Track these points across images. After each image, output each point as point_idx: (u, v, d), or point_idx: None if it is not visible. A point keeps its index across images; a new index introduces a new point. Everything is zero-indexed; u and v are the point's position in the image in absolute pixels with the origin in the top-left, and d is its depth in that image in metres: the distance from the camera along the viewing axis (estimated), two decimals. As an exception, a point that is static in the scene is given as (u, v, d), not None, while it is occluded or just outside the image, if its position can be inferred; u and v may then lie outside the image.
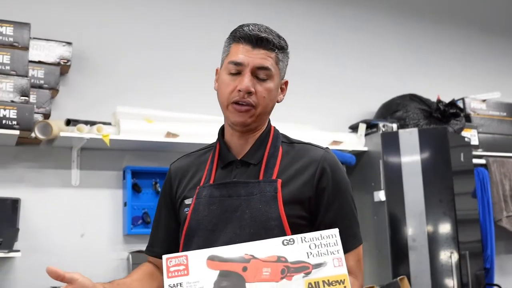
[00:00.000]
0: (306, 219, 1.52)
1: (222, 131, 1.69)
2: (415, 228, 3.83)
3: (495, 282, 4.47)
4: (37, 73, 3.43)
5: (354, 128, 4.38)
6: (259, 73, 1.53)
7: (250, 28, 1.55)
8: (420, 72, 5.20)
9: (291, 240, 1.29)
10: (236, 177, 1.56)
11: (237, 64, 1.53)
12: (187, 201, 1.59)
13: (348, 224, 1.53)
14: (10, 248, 3.15)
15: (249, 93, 1.51)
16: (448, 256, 3.78)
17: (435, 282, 3.75)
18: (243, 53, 1.53)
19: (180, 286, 1.21)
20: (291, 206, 1.49)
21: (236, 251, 1.26)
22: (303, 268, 1.24)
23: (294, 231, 1.42)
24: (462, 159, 4.13)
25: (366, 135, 4.24)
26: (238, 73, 1.54)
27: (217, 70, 1.67)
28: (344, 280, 1.23)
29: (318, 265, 1.25)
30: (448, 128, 4.18)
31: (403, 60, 5.17)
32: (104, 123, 3.46)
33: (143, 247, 3.54)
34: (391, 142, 4.01)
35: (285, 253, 1.26)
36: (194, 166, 1.68)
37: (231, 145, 1.63)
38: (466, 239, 3.92)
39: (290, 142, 1.66)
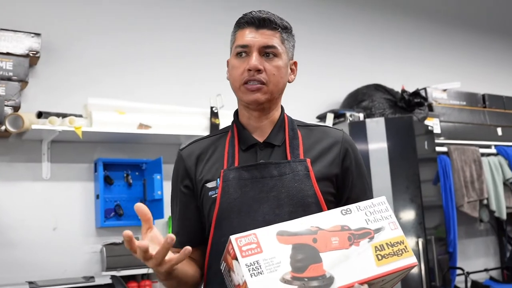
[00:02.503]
0: (334, 195, 1.59)
1: (236, 114, 1.70)
2: (383, 214, 3.91)
3: (458, 265, 4.62)
4: (6, 65, 3.36)
5: (321, 117, 4.45)
6: (266, 52, 1.56)
7: (253, 13, 1.59)
8: (384, 63, 5.30)
9: (348, 210, 1.35)
10: (262, 159, 1.58)
11: (243, 46, 1.57)
12: (210, 185, 1.59)
13: (369, 197, 1.61)
14: (-17, 243, 3.10)
15: (258, 70, 1.54)
16: (415, 241, 3.89)
17: None
18: (248, 35, 1.57)
19: (258, 263, 1.21)
20: (323, 183, 1.55)
21: (301, 225, 1.30)
22: (366, 234, 1.32)
23: (326, 208, 1.51)
24: (426, 147, 4.23)
25: (333, 124, 4.30)
26: (246, 55, 1.57)
27: (227, 61, 1.67)
28: (403, 240, 1.33)
29: (378, 230, 1.33)
30: (412, 117, 4.29)
31: (367, 50, 5.27)
32: (76, 115, 3.42)
33: (116, 239, 3.59)
34: (358, 131, 4.08)
35: (346, 222, 1.33)
36: (209, 150, 1.67)
37: (249, 128, 1.65)
38: (431, 224, 4.03)
39: (306, 125, 1.71)
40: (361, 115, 4.36)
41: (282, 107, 1.71)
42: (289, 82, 1.68)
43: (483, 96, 5.45)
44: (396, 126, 4.09)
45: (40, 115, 3.34)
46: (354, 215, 1.35)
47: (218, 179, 1.57)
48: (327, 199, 1.54)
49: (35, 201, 3.49)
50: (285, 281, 1.21)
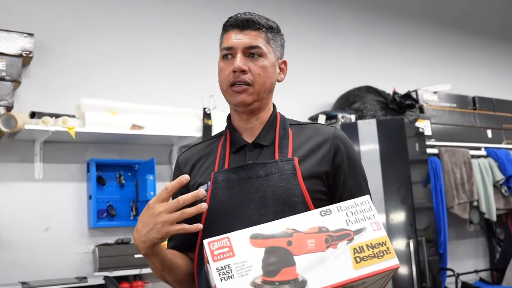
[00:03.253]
0: (325, 193, 1.56)
1: (229, 118, 1.71)
2: (374, 215, 3.93)
3: (448, 266, 4.65)
4: (-1, 65, 3.36)
5: (313, 119, 4.47)
6: (250, 52, 1.57)
7: (237, 15, 1.60)
8: (375, 65, 5.33)
9: (328, 210, 1.32)
10: (251, 160, 1.58)
11: (228, 48, 1.58)
12: (202, 188, 1.58)
13: (365, 194, 1.56)
14: (-25, 244, 3.09)
15: (243, 71, 1.55)
16: (406, 242, 3.91)
17: None
18: (233, 38, 1.58)
19: (229, 267, 1.20)
20: (310, 181, 1.53)
21: (277, 227, 1.27)
22: (345, 235, 1.28)
23: (315, 206, 1.47)
24: (417, 148, 4.26)
25: (325, 126, 4.31)
26: (232, 57, 1.58)
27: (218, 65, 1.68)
28: (385, 241, 1.28)
29: (358, 231, 1.29)
30: (404, 119, 4.31)
31: (359, 52, 5.29)
32: (69, 116, 3.42)
33: (108, 240, 3.59)
34: (350, 133, 4.08)
35: (324, 223, 1.29)
36: (204, 154, 1.69)
37: (240, 130, 1.66)
38: (421, 226, 4.06)
39: (298, 124, 1.70)
40: (353, 117, 4.38)
41: (274, 106, 1.71)
42: (279, 81, 1.68)
43: (473, 98, 5.49)
44: (388, 127, 4.12)
45: (33, 115, 3.34)
46: (334, 215, 1.31)
47: (209, 182, 1.58)
48: (316, 198, 1.52)
49: (28, 201, 3.48)
50: (255, 285, 1.19)
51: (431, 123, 4.94)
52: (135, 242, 1.43)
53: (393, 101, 4.51)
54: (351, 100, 4.62)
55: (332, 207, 1.33)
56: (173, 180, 1.69)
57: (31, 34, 3.49)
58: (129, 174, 3.84)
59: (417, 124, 4.64)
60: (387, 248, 1.27)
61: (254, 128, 1.64)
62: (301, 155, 1.57)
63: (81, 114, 3.47)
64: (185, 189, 1.64)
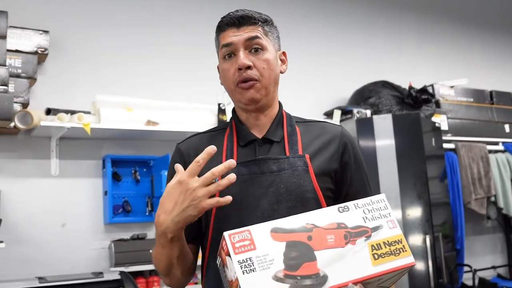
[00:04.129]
0: (333, 191, 1.58)
1: (234, 111, 1.70)
2: (390, 211, 3.91)
3: (465, 262, 4.61)
4: (14, 62, 3.38)
5: (329, 114, 4.45)
6: (251, 45, 1.56)
7: (231, 14, 1.59)
8: (391, 60, 5.30)
9: (346, 207, 1.33)
10: (261, 155, 1.57)
11: (228, 45, 1.56)
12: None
13: (368, 193, 1.61)
14: (-7, 239, 3.11)
15: (248, 67, 1.53)
16: (422, 238, 3.89)
17: None
18: (231, 35, 1.57)
19: (250, 260, 1.20)
20: (321, 179, 1.54)
21: (297, 222, 1.27)
22: (363, 232, 1.29)
23: (325, 203, 1.50)
24: (433, 144, 4.23)
25: (341, 121, 4.31)
26: (234, 56, 1.56)
27: (217, 67, 1.67)
28: (401, 239, 1.31)
29: (375, 228, 1.31)
30: (420, 114, 4.28)
31: (375, 47, 5.26)
32: (84, 112, 3.43)
33: (124, 235, 3.60)
34: (365, 128, 4.09)
35: (343, 219, 1.30)
36: (208, 145, 1.61)
37: (248, 125, 1.64)
38: (438, 221, 4.04)
39: (304, 121, 1.70)
40: (368, 112, 4.35)
41: (280, 104, 1.70)
42: (282, 73, 1.67)
43: (491, 92, 5.43)
44: (404, 122, 4.09)
45: (48, 111, 3.36)
46: (352, 212, 1.32)
47: None
48: (326, 195, 1.53)
49: (44, 197, 3.51)
50: (277, 279, 1.19)
51: (448, 118, 4.90)
52: (161, 226, 1.37)
53: (409, 96, 4.48)
54: (367, 95, 4.59)
55: (350, 204, 1.34)
56: (171, 168, 1.66)
57: (46, 31, 3.52)
58: (145, 170, 3.85)
59: (434, 119, 4.61)
60: (403, 246, 1.29)
61: (263, 124, 1.63)
62: (311, 153, 1.57)
63: (96, 111, 3.49)
64: None
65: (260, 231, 1.25)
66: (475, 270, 4.60)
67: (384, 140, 4.04)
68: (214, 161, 1.57)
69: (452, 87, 5.12)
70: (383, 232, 1.30)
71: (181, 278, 1.57)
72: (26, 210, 3.43)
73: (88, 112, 3.50)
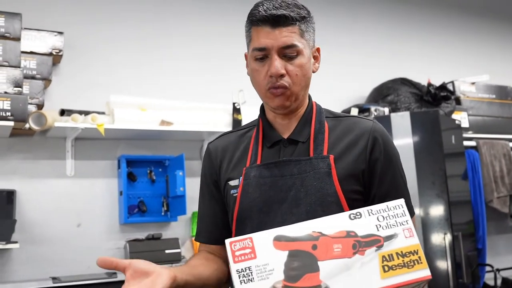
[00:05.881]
0: (361, 193, 1.49)
1: (263, 109, 1.64)
2: (408, 210, 3.86)
3: (487, 262, 4.53)
4: (29, 63, 3.41)
5: (346, 112, 4.39)
6: (286, 52, 1.46)
7: (265, 8, 1.46)
8: (410, 56, 5.22)
9: (358, 213, 1.24)
10: (285, 156, 1.52)
11: (261, 49, 1.47)
12: (233, 183, 1.55)
13: (402, 195, 1.40)
14: (7, 240, 3.14)
15: (281, 75, 1.46)
16: (441, 237, 3.82)
17: (429, 263, 3.65)
18: (265, 37, 1.46)
19: (249, 270, 1.16)
20: (346, 181, 1.45)
21: (303, 229, 1.21)
22: (374, 241, 1.20)
23: (350, 207, 1.40)
24: (453, 141, 4.16)
25: (358, 119, 4.25)
26: (266, 57, 1.48)
27: (245, 55, 1.59)
28: (417, 250, 1.19)
29: (389, 237, 1.20)
30: (439, 111, 4.21)
31: (393, 44, 5.19)
32: (98, 113, 3.45)
33: (139, 235, 3.61)
34: (383, 126, 4.03)
35: (353, 227, 1.21)
36: (235, 145, 1.63)
37: (275, 125, 1.59)
38: (458, 220, 3.96)
39: (335, 116, 1.61)
40: (386, 110, 4.30)
41: (309, 97, 1.63)
42: (314, 72, 1.57)
43: (514, 88, 5.33)
44: (422, 120, 4.03)
45: (62, 112, 3.38)
46: (364, 220, 1.22)
47: (240, 177, 1.53)
48: (352, 198, 1.44)
49: (59, 197, 3.54)
50: None
51: (469, 115, 4.82)
52: None
53: (428, 93, 4.40)
54: (385, 93, 4.53)
55: (363, 210, 1.24)
56: (203, 168, 1.67)
57: (60, 33, 3.54)
58: (160, 170, 3.86)
59: (454, 116, 4.53)
60: (419, 257, 1.19)
61: (290, 123, 1.58)
62: (337, 153, 1.49)
63: (111, 111, 3.50)
64: (215, 183, 1.63)
65: (263, 239, 1.20)
66: (498, 270, 4.51)
67: (402, 138, 3.98)
68: (241, 162, 1.57)
69: (473, 83, 5.04)
70: (398, 242, 1.20)
71: None
72: (42, 211, 3.46)
73: (103, 113, 3.52)
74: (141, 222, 3.71)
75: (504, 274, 4.80)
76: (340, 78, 4.72)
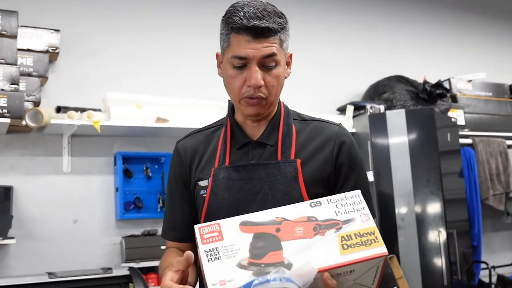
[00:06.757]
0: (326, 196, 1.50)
1: (232, 109, 1.64)
2: (403, 208, 3.89)
3: (482, 259, 4.55)
4: (26, 61, 3.44)
5: (342, 110, 4.43)
6: (266, 62, 1.47)
7: (247, 16, 1.44)
8: (406, 54, 5.24)
9: (318, 202, 1.33)
10: (254, 159, 1.55)
11: (241, 58, 1.46)
12: (202, 183, 1.57)
13: (364, 198, 1.43)
14: (4, 235, 3.18)
15: (259, 86, 1.48)
16: (436, 235, 3.85)
17: (423, 260, 3.82)
18: (246, 46, 1.45)
19: (216, 250, 1.24)
20: (312, 186, 1.50)
21: (267, 216, 1.30)
22: (333, 224, 1.28)
23: None
24: (449, 139, 4.17)
25: (354, 116, 4.28)
26: (245, 65, 1.47)
27: (217, 54, 1.61)
28: (374, 231, 1.27)
29: (347, 221, 1.29)
30: (434, 109, 4.23)
31: (389, 42, 5.20)
32: (94, 110, 3.47)
33: (135, 232, 3.64)
34: (378, 124, 4.06)
35: (314, 213, 1.30)
36: (204, 145, 1.65)
37: (244, 126, 1.61)
38: (453, 218, 3.98)
39: (302, 119, 1.65)
40: (382, 107, 4.31)
41: (279, 101, 1.64)
42: (285, 77, 1.58)
43: (510, 86, 5.33)
44: (417, 118, 4.05)
45: (59, 109, 3.41)
46: (324, 207, 1.32)
47: (209, 178, 1.55)
48: None
49: (56, 194, 3.57)
50: (241, 266, 1.21)
51: (465, 113, 4.82)
52: None
53: (424, 91, 4.42)
54: (381, 90, 4.55)
55: (322, 199, 1.34)
56: (171, 166, 1.69)
57: (57, 30, 3.57)
58: (156, 166, 3.88)
59: (450, 113, 4.55)
60: (376, 237, 1.27)
61: (259, 125, 1.60)
62: (304, 157, 1.53)
63: (107, 108, 3.52)
64: (185, 183, 1.65)
65: (230, 224, 1.29)
66: (494, 267, 4.53)
67: (397, 136, 4.01)
68: (210, 162, 1.60)
69: (469, 81, 5.05)
70: (355, 224, 1.29)
71: None
72: (39, 207, 3.49)
73: (99, 110, 3.54)
74: (137, 218, 3.73)
75: (500, 271, 4.82)
76: (335, 75, 4.74)
